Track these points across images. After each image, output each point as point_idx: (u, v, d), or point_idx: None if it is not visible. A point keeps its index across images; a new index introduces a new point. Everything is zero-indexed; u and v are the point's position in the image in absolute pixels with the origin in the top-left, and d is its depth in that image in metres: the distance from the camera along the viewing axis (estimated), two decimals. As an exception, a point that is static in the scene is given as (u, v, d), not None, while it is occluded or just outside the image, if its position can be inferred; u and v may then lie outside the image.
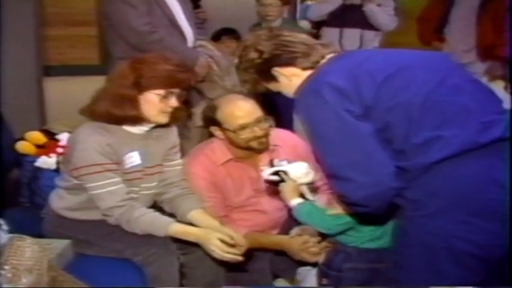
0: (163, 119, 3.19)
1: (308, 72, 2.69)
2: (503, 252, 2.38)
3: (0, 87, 4.71)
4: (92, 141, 3.08)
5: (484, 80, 5.31)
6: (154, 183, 3.35)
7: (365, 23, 5.87)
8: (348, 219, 2.83)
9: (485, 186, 2.32)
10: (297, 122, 4.52)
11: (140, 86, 3.09)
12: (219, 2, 6.72)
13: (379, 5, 5.83)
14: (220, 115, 3.38)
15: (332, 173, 2.52)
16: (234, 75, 4.29)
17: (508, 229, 2.32)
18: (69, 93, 5.89)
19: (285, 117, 4.31)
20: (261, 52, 2.73)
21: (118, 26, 3.86)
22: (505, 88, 5.37)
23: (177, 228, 3.15)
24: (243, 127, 3.35)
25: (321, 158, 2.56)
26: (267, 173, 3.11)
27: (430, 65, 2.56)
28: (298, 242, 3.34)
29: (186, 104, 3.30)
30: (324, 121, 2.46)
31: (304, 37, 2.79)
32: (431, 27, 6.05)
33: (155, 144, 3.31)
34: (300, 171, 3.05)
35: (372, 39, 5.96)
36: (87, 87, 5.40)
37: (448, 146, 2.34)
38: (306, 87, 2.58)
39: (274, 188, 3.18)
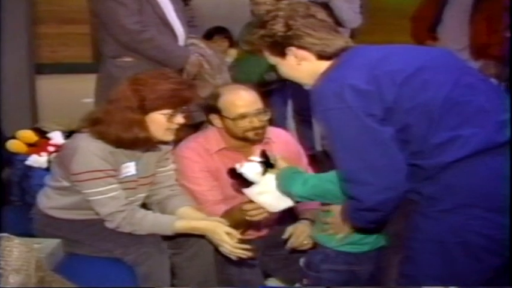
0: (170, 136, 3.21)
1: (319, 62, 2.66)
2: None
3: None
4: (94, 147, 3.08)
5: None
6: (146, 194, 3.36)
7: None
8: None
9: (502, 183, 2.35)
10: (290, 120, 4.52)
11: (145, 108, 3.09)
12: (212, 0, 6.71)
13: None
14: (221, 102, 3.39)
15: (349, 176, 2.51)
16: (225, 73, 4.29)
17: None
18: (62, 91, 5.91)
19: (278, 115, 4.31)
20: (289, 27, 2.66)
21: (108, 25, 3.85)
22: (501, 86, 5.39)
23: (183, 224, 3.17)
24: (243, 116, 3.36)
25: (338, 160, 2.55)
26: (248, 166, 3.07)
27: (444, 65, 2.56)
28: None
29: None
30: (345, 125, 2.44)
31: (332, 26, 2.75)
32: (425, 26, 6.06)
33: (151, 154, 3.31)
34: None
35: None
36: (80, 85, 5.43)
37: (467, 145, 2.36)
38: (325, 89, 2.52)
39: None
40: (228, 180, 3.44)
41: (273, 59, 2.79)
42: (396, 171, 2.43)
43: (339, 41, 2.70)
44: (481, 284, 2.46)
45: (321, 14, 2.73)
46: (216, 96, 3.42)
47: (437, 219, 2.43)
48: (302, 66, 2.69)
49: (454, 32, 5.86)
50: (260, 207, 3.11)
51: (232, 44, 5.87)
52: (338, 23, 5.71)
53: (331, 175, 2.70)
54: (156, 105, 3.08)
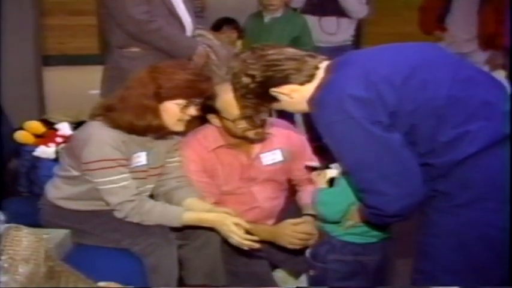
0: (181, 127, 3.21)
1: (308, 86, 2.63)
2: None
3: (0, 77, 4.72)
4: (106, 136, 3.09)
5: (486, 69, 5.33)
6: (155, 185, 3.37)
7: (340, 11, 5.85)
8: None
9: None
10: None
11: (160, 97, 3.09)
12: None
13: None
14: (219, 103, 3.31)
15: (363, 187, 2.50)
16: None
17: None
18: (69, 82, 5.94)
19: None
20: (252, 76, 2.64)
21: (116, 15, 3.84)
22: (507, 77, 5.38)
23: (190, 216, 3.17)
24: (241, 117, 3.29)
25: (350, 172, 2.54)
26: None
27: (438, 62, 2.54)
28: (287, 226, 3.34)
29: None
30: (351, 136, 2.41)
31: (290, 51, 2.70)
32: (433, 17, 6.07)
33: (161, 144, 3.31)
34: None
35: (348, 27, 5.95)
36: (87, 77, 5.45)
37: (476, 140, 2.36)
38: (325, 102, 2.49)
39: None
40: (223, 178, 3.47)
41: (275, 106, 2.79)
42: (411, 177, 2.41)
43: (308, 60, 2.67)
44: (500, 277, 2.46)
45: (271, 49, 2.70)
46: (213, 96, 3.32)
47: (453, 214, 2.42)
48: (296, 98, 2.66)
49: (463, 22, 5.88)
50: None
51: (241, 35, 5.86)
52: (344, 13, 5.77)
53: None
54: (171, 94, 3.09)
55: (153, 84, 3.09)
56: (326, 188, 2.90)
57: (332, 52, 2.96)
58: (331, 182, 2.94)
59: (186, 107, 3.12)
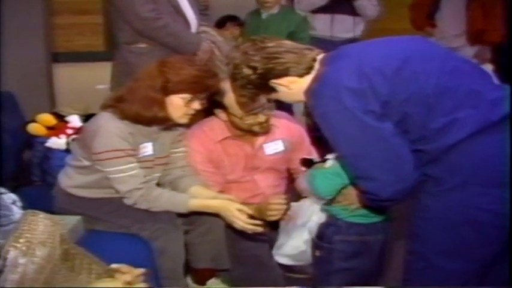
0: (185, 120, 3.22)
1: (306, 78, 2.64)
2: None
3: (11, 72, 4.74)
4: (115, 128, 3.10)
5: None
6: (161, 173, 3.38)
7: (353, 10, 5.89)
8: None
9: (500, 159, 2.36)
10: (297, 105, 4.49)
11: (167, 90, 3.11)
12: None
13: None
14: (227, 100, 3.32)
15: (358, 174, 2.52)
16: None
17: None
18: (77, 78, 5.95)
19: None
20: (254, 68, 2.64)
21: (124, 13, 3.84)
22: (494, 71, 5.39)
23: (196, 203, 3.19)
24: (249, 114, 3.33)
25: (345, 159, 2.57)
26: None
27: (426, 54, 2.55)
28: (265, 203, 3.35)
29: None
30: (345, 125, 2.43)
31: (289, 44, 2.71)
32: (424, 13, 6.08)
33: (166, 135, 3.32)
34: None
35: (358, 24, 5.97)
36: (93, 72, 5.46)
37: (464, 127, 2.37)
38: (321, 93, 2.50)
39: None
40: (229, 167, 3.49)
41: (271, 96, 2.80)
42: (403, 163, 2.42)
43: (306, 53, 2.68)
44: (486, 256, 2.48)
45: (271, 41, 2.70)
46: (221, 92, 3.32)
47: (443, 197, 2.44)
48: (295, 90, 2.67)
49: (451, 18, 5.89)
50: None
51: (244, 31, 5.86)
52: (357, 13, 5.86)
53: None
54: (177, 88, 3.10)
55: (161, 78, 3.10)
56: (319, 170, 2.91)
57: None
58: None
59: (191, 101, 3.13)
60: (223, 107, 3.37)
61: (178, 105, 3.13)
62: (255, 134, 3.45)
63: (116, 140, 3.08)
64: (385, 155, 2.42)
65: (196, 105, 3.16)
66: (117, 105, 3.16)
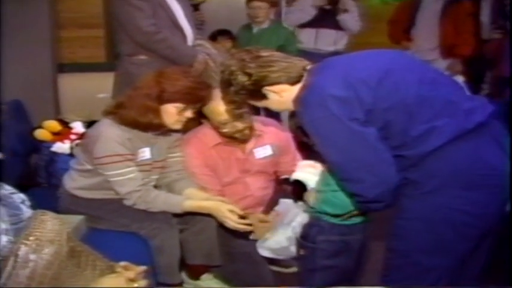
0: (178, 126, 3.23)
1: (296, 86, 2.64)
2: (492, 219, 2.48)
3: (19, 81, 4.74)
4: (114, 134, 3.12)
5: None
6: (158, 176, 3.39)
7: (336, 24, 5.94)
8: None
9: (475, 163, 2.39)
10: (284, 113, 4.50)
11: (162, 99, 3.11)
12: (214, 6, 6.70)
13: (345, 10, 5.90)
14: (205, 110, 3.34)
15: (346, 176, 2.50)
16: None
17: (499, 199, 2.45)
18: (80, 87, 5.93)
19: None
20: (249, 75, 2.63)
21: (126, 27, 3.84)
22: (464, 82, 5.43)
23: (190, 204, 3.21)
24: (224, 123, 3.32)
25: (332, 164, 2.55)
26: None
27: (407, 66, 2.56)
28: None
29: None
30: (333, 131, 2.42)
31: (280, 55, 2.72)
32: (401, 29, 6.14)
33: (163, 140, 3.33)
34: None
35: (341, 37, 6.06)
36: (95, 82, 5.46)
37: (442, 135, 2.38)
38: (309, 101, 2.49)
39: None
40: (223, 170, 3.49)
41: (262, 103, 2.78)
42: (387, 166, 2.42)
43: (296, 62, 2.69)
44: (462, 253, 2.50)
45: (264, 51, 2.71)
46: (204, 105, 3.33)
47: (421, 199, 2.45)
48: (285, 97, 2.66)
49: (426, 33, 5.93)
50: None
51: (235, 44, 5.88)
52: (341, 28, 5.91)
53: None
54: (172, 98, 3.11)
55: (157, 88, 3.12)
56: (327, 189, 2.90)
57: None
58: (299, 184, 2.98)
59: (183, 110, 3.15)
60: (205, 117, 3.39)
61: (171, 113, 3.14)
62: (243, 140, 3.45)
63: (115, 146, 3.10)
64: (370, 158, 2.42)
65: (189, 113, 3.18)
66: (117, 111, 3.18)
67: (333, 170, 2.60)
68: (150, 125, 3.17)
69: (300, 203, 3.04)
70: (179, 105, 3.13)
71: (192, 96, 3.13)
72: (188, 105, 3.15)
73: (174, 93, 3.11)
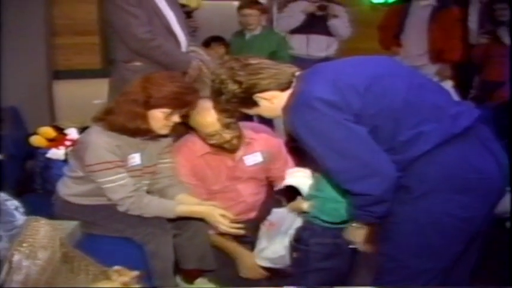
0: (165, 131, 3.21)
1: (287, 92, 2.63)
2: (481, 222, 2.47)
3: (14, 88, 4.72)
4: (103, 141, 3.10)
5: (435, 79, 5.37)
6: (150, 181, 3.37)
7: (327, 30, 5.95)
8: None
9: (462, 167, 2.39)
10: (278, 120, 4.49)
11: (149, 105, 3.09)
12: (206, 13, 6.70)
13: (335, 16, 5.91)
14: (192, 122, 3.33)
15: (347, 177, 2.48)
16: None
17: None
18: (76, 93, 5.91)
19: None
20: (240, 83, 2.62)
21: (122, 34, 3.83)
22: (453, 87, 5.45)
23: (182, 208, 3.19)
24: (211, 135, 3.31)
25: (333, 168, 2.50)
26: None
27: (395, 72, 2.56)
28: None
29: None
30: (327, 131, 2.41)
31: (269, 62, 2.72)
32: (391, 34, 6.16)
33: (153, 146, 3.31)
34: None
35: (332, 43, 6.08)
36: (90, 88, 5.44)
37: (429, 140, 2.38)
38: (298, 105, 2.49)
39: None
40: (212, 179, 3.47)
41: (253, 111, 2.76)
42: (385, 161, 2.41)
43: (286, 69, 2.69)
44: (452, 256, 2.50)
45: (253, 59, 2.70)
46: (186, 116, 3.29)
47: (411, 204, 2.44)
48: (276, 104, 2.65)
49: (415, 39, 5.96)
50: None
51: (228, 50, 5.89)
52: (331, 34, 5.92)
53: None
54: (158, 104, 3.09)
55: (143, 93, 3.10)
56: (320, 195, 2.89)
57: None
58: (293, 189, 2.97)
59: (170, 115, 3.13)
60: (193, 128, 3.38)
61: (158, 118, 3.13)
62: (232, 149, 3.42)
63: (105, 153, 3.08)
64: (368, 154, 2.41)
65: (176, 118, 3.16)
66: (105, 117, 3.16)
67: (333, 176, 2.57)
68: (138, 131, 3.15)
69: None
70: (166, 110, 3.11)
71: (178, 101, 3.11)
72: (175, 110, 3.13)
73: (161, 98, 3.09)
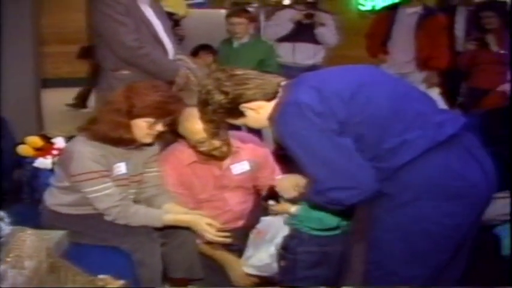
0: (149, 140, 3.19)
1: (273, 102, 2.63)
2: (467, 229, 2.48)
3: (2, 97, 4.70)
4: (87, 151, 3.08)
5: (422, 87, 5.40)
6: (136, 190, 3.35)
7: (314, 38, 5.97)
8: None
9: (447, 175, 2.39)
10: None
11: (132, 114, 3.08)
12: (194, 21, 6.73)
13: (322, 24, 5.93)
14: (181, 129, 3.31)
15: (327, 185, 2.47)
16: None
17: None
18: (63, 102, 5.90)
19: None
20: (226, 93, 2.62)
21: (110, 42, 3.81)
22: (440, 94, 5.47)
23: (169, 217, 3.18)
24: (201, 142, 3.29)
25: (314, 175, 2.52)
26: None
27: (379, 81, 2.58)
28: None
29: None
30: (312, 140, 2.42)
31: (255, 72, 2.72)
32: (378, 42, 6.17)
33: (139, 154, 3.29)
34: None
35: (319, 51, 6.12)
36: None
37: (413, 148, 2.38)
38: (284, 114, 2.50)
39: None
40: (199, 188, 3.46)
41: (239, 121, 2.76)
42: (368, 174, 2.42)
43: (271, 79, 2.69)
44: (439, 263, 2.51)
45: (239, 70, 2.70)
46: (177, 122, 3.28)
47: (397, 212, 2.44)
48: (262, 114, 2.66)
49: (402, 46, 5.98)
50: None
51: (216, 58, 5.90)
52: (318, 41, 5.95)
53: None
54: (141, 113, 3.08)
55: (126, 103, 3.09)
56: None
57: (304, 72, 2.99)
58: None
59: (154, 124, 3.12)
60: (182, 136, 3.36)
61: (142, 127, 3.12)
62: (220, 157, 3.41)
63: (89, 163, 3.07)
64: (350, 165, 2.42)
65: (160, 127, 3.15)
66: (89, 127, 3.15)
67: (315, 184, 2.57)
68: (121, 140, 3.13)
69: (281, 217, 3.05)
70: (149, 119, 3.10)
71: (162, 110, 3.10)
72: (158, 119, 3.12)
73: (144, 108, 3.08)
